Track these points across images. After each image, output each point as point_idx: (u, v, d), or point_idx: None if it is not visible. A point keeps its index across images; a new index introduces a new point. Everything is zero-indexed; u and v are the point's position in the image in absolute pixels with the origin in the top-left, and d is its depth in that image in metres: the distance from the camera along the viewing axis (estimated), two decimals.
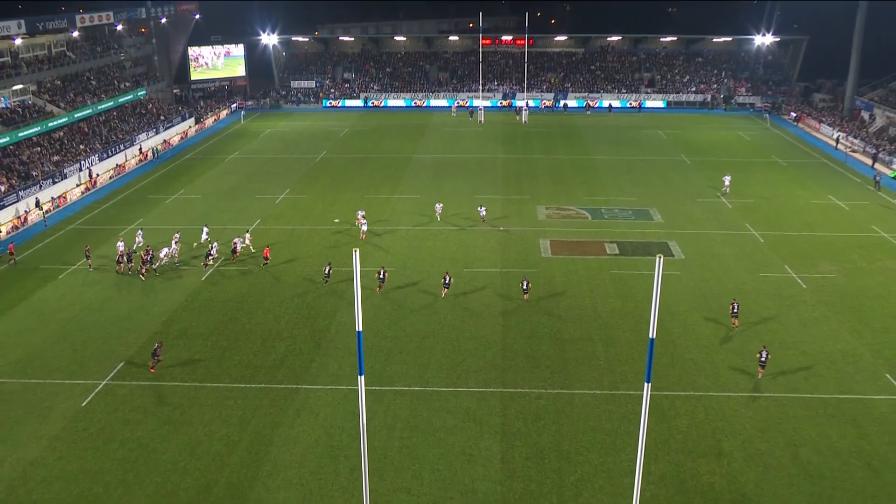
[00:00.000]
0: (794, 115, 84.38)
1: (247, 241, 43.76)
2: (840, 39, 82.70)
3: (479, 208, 49.53)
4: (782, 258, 43.30)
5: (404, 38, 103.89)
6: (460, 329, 34.96)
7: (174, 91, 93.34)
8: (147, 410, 28.62)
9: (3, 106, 62.40)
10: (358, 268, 14.89)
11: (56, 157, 60.68)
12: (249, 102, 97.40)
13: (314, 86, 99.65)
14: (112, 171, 63.67)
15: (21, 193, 53.48)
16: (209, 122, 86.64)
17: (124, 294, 39.30)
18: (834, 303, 37.09)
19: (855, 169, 63.10)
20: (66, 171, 59.06)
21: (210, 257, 41.72)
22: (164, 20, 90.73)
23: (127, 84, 79.12)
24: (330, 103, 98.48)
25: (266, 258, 42.43)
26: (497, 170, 63.93)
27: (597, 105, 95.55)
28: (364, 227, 46.00)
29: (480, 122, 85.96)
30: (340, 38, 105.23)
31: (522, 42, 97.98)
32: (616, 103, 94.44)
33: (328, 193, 57.40)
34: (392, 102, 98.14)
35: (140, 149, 70.78)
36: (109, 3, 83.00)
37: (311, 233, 48.05)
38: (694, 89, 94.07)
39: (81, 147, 63.87)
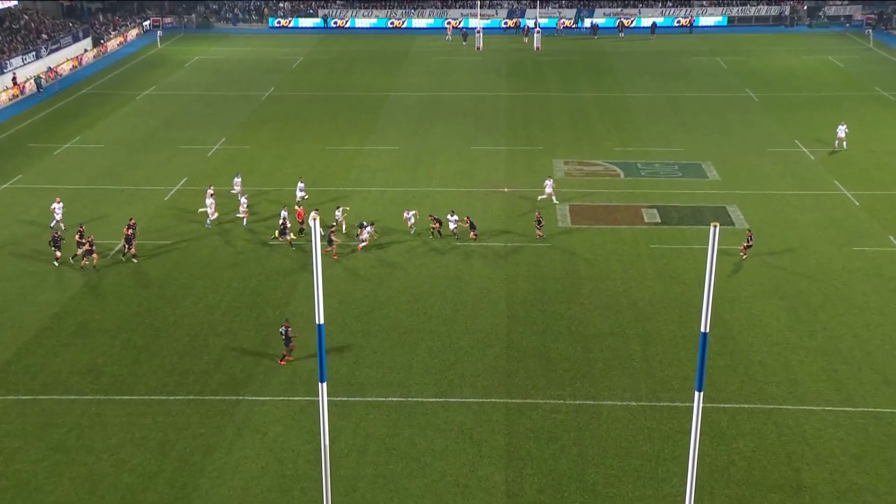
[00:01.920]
0: None
1: (339, 219, 42.33)
2: None
3: (450, 219, 47.99)
4: (885, 227, 43.24)
5: None
6: (452, 321, 34.87)
7: (62, 1, 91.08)
8: (29, 434, 28.29)
9: None
10: (318, 241, 14.49)
11: None
12: (168, 20, 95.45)
13: None
14: None
15: None
16: (112, 44, 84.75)
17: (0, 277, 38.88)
18: None
19: None
20: None
21: (285, 234, 41.03)
22: None
23: None
24: (278, 22, 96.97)
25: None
26: (500, 112, 63.59)
27: (633, 24, 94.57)
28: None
29: (478, 48, 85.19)
30: None
31: None
32: (660, 21, 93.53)
33: (277, 144, 57.17)
34: (361, 22, 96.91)
35: (14, 79, 68.91)
36: None
37: (256, 195, 47.65)
38: (766, 0, 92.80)
39: None
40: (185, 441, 27.87)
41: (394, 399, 29.91)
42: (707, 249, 14.40)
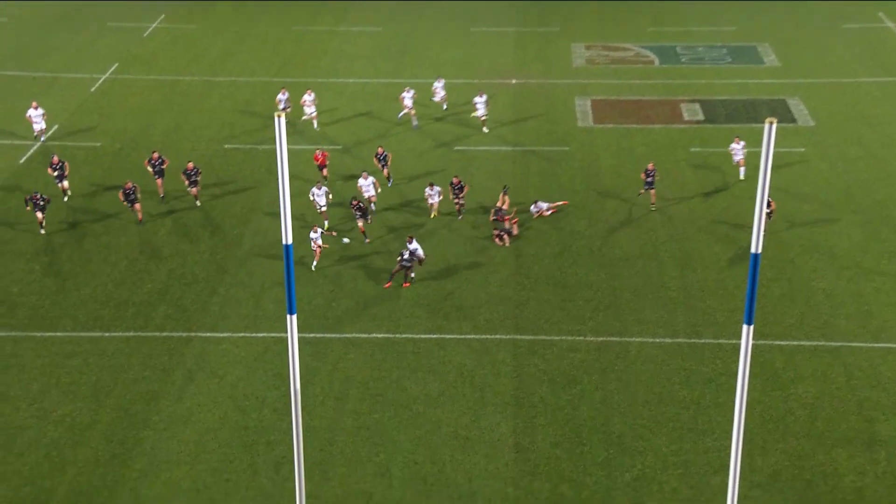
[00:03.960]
0: None
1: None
2: None
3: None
4: None
5: None
6: (448, 243, 34.67)
7: None
8: None
9: None
10: (283, 141, 13.85)
11: None
12: None
13: None
14: None
15: None
16: None
17: None
18: None
19: None
20: None
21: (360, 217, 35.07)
22: None
23: None
24: None
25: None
26: None
27: None
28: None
29: None
30: None
31: None
32: None
33: (232, 24, 56.19)
34: None
35: None
36: None
37: (204, 87, 46.80)
38: None
39: None
40: (123, 387, 27.78)
41: (378, 336, 29.86)
42: (761, 153, 13.81)
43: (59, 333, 30.04)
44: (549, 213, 36.04)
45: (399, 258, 31.89)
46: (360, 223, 34.35)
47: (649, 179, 35.97)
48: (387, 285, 31.98)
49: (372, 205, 35.95)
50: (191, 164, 36.87)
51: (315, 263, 32.69)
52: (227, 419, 26.47)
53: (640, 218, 36.21)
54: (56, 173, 36.76)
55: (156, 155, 37.14)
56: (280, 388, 27.45)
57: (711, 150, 41.13)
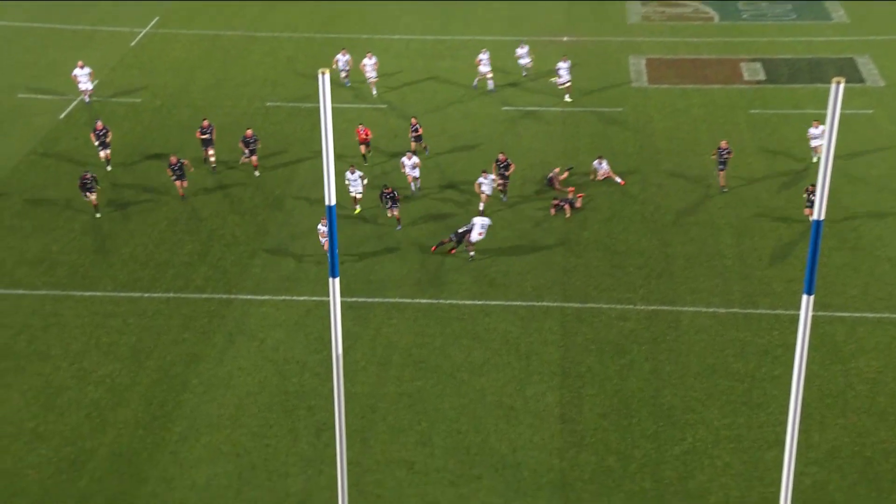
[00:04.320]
0: None
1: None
2: None
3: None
4: None
5: None
6: (494, 206, 34.68)
7: None
8: None
9: None
10: (327, 99, 13.78)
11: None
12: None
13: None
14: None
15: None
16: None
17: None
18: None
19: None
20: None
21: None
22: None
23: None
24: None
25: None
26: None
27: None
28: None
29: None
30: None
31: None
32: None
33: None
34: None
35: None
36: None
37: (245, 42, 46.80)
38: None
39: None
40: (163, 348, 28.14)
41: (422, 301, 29.94)
42: (826, 114, 13.51)
43: (98, 293, 30.48)
44: (603, 177, 35.69)
45: (453, 235, 31.73)
46: (394, 211, 32.89)
47: (722, 159, 34.67)
48: (433, 249, 32.02)
49: (415, 185, 35.01)
50: (250, 132, 36.42)
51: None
52: (268, 383, 26.76)
53: (695, 182, 35.89)
54: (98, 141, 36.49)
55: (206, 123, 36.49)
56: (321, 352, 27.67)
57: (773, 111, 40.60)
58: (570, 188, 34.57)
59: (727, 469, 23.82)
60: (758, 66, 44.81)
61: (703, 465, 23.93)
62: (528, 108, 41.13)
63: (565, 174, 35.26)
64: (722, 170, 34.99)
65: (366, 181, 34.05)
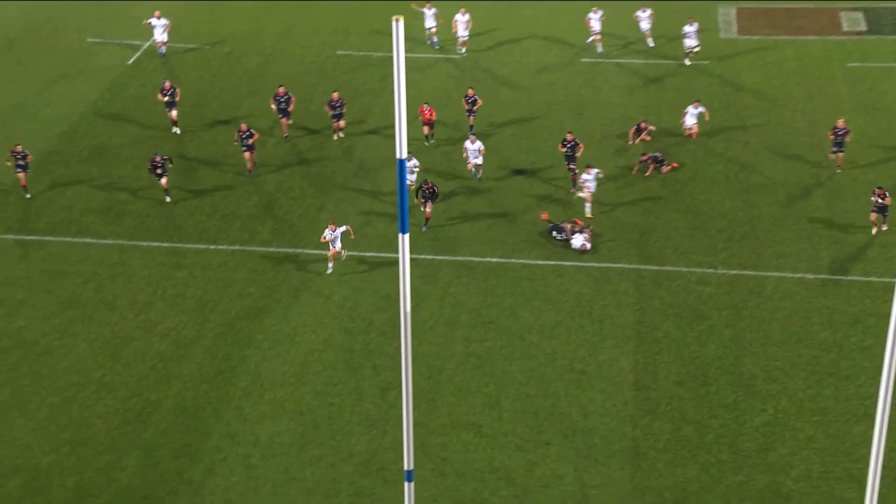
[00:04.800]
0: None
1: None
2: None
3: None
4: None
5: None
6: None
7: None
8: (35, 285, 29.33)
9: None
10: (401, 49, 13.62)
11: None
12: None
13: None
14: None
15: None
16: None
17: None
18: None
19: None
20: None
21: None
22: None
23: None
24: None
25: None
26: None
27: None
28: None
29: None
30: None
31: None
32: None
33: None
34: None
35: None
36: None
37: None
38: None
39: None
40: (228, 302, 28.46)
41: (492, 260, 29.87)
42: None
43: (164, 244, 30.89)
44: (689, 134, 35.04)
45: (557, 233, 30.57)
46: (428, 208, 30.68)
47: (838, 139, 32.80)
48: (544, 216, 31.40)
49: (478, 172, 33.08)
50: (336, 95, 35.50)
51: (330, 268, 29.27)
52: (333, 341, 26.93)
53: (785, 139, 35.21)
54: (167, 99, 35.98)
55: (282, 91, 35.04)
56: (388, 310, 27.73)
57: (873, 64, 39.68)
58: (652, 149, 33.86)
59: (810, 443, 23.50)
60: (859, 15, 43.60)
61: (785, 438, 23.64)
62: (607, 62, 40.55)
63: (650, 129, 34.70)
64: (838, 151, 33.06)
65: (417, 169, 32.19)
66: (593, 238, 30.15)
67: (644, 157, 33.36)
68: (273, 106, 35.19)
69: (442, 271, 29.41)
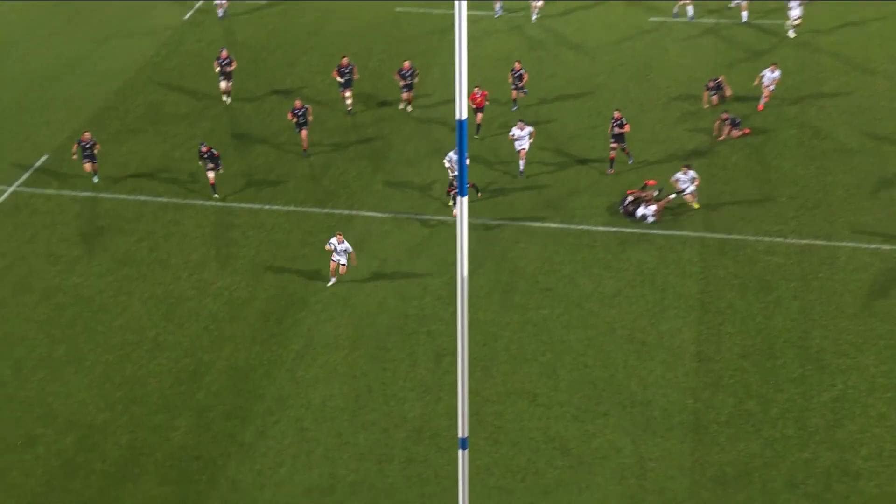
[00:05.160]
0: None
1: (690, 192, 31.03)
2: None
3: None
4: None
5: None
6: (636, 124, 33.78)
7: None
8: (90, 241, 29.77)
9: None
10: (463, 4, 13.50)
11: None
12: None
13: None
14: None
15: None
16: None
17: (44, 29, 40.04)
18: None
19: None
20: None
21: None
22: None
23: None
24: None
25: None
26: None
27: None
28: None
29: None
30: None
31: None
32: None
33: None
34: None
35: None
36: None
37: None
38: None
39: None
40: (282, 263, 28.67)
41: (552, 226, 29.76)
42: None
43: (215, 204, 31.15)
44: (765, 99, 34.37)
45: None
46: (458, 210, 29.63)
47: None
48: (610, 171, 31.47)
49: (522, 161, 31.60)
50: (407, 64, 34.72)
51: (332, 282, 27.86)
52: (387, 305, 27.02)
53: (863, 104, 34.57)
54: (220, 69, 35.45)
55: (345, 62, 34.29)
56: (443, 275, 27.77)
57: None
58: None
59: (882, 420, 23.17)
60: None
61: (855, 415, 23.33)
62: (676, 20, 39.93)
63: (727, 90, 34.14)
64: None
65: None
66: (662, 214, 29.79)
67: (725, 116, 32.83)
68: (337, 77, 34.56)
69: (500, 236, 29.34)
